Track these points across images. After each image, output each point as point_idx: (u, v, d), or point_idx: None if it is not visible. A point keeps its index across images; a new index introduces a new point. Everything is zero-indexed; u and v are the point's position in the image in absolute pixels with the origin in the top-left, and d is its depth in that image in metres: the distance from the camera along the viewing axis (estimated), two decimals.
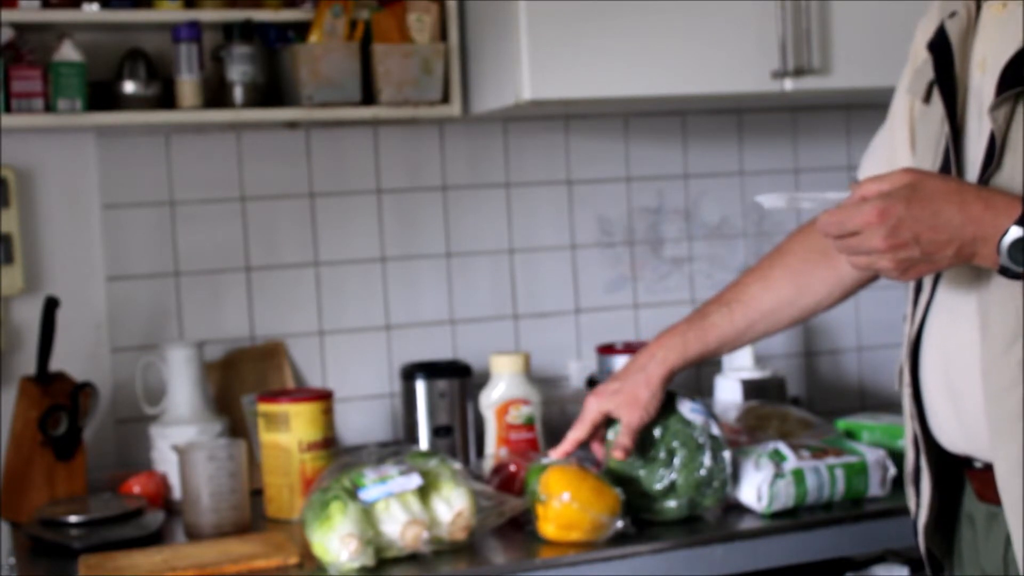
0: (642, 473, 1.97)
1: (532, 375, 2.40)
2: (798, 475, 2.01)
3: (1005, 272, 1.36)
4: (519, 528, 1.96)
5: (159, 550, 1.95)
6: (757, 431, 2.29)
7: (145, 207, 2.45)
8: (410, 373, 2.45)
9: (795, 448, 2.05)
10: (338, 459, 2.06)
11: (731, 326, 1.91)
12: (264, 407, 2.16)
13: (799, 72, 2.34)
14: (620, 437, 1.93)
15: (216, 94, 2.35)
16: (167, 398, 2.28)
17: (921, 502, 1.59)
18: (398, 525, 1.84)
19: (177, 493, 2.18)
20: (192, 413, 2.26)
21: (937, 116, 1.54)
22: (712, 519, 1.99)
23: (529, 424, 2.32)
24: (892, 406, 1.90)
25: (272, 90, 2.39)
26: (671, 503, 1.97)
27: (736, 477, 2.02)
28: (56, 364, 2.28)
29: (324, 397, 2.16)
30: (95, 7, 2.25)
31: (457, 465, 1.95)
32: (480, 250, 2.65)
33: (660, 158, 2.76)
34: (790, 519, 2.01)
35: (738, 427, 2.28)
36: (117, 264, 2.43)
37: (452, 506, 1.89)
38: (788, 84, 2.35)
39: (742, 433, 2.23)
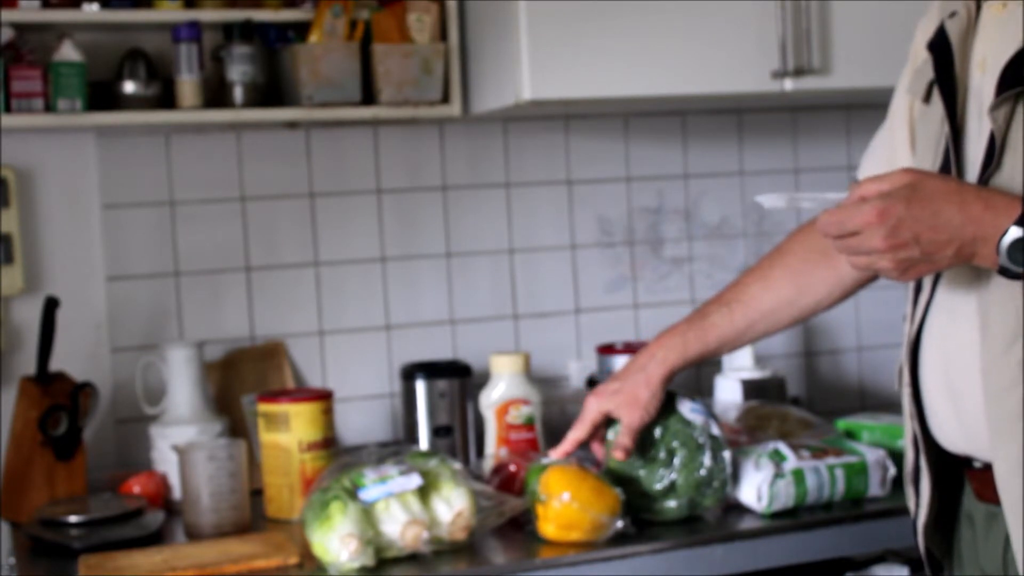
0: (642, 473, 1.97)
1: (532, 375, 2.40)
2: (798, 475, 2.01)
3: (1005, 272, 1.36)
4: (519, 528, 1.96)
5: (159, 550, 1.95)
6: (757, 431, 2.29)
7: (145, 207, 2.45)
8: (410, 373, 2.45)
9: (795, 448, 2.05)
10: (338, 459, 2.06)
11: (731, 326, 1.91)
12: (264, 407, 2.16)
13: (799, 72, 2.34)
14: (620, 437, 1.93)
15: (216, 94, 2.35)
16: (167, 398, 2.28)
17: (920, 502, 1.59)
18: (398, 525, 1.84)
19: (177, 493, 2.18)
20: (192, 413, 2.26)
21: (937, 116, 1.54)
22: (712, 519, 1.99)
23: (529, 424, 2.32)
24: (892, 406, 1.90)
25: (272, 90, 2.39)
26: (671, 503, 1.97)
27: (736, 477, 2.02)
28: (56, 364, 2.28)
29: (324, 397, 2.16)
30: (95, 7, 2.25)
31: (457, 465, 1.95)
32: (480, 250, 2.65)
33: (660, 158, 2.76)
34: (790, 519, 2.01)
35: (738, 427, 2.28)
36: (117, 264, 2.43)
37: (452, 506, 1.89)
38: (788, 84, 2.35)
39: (742, 433, 2.23)
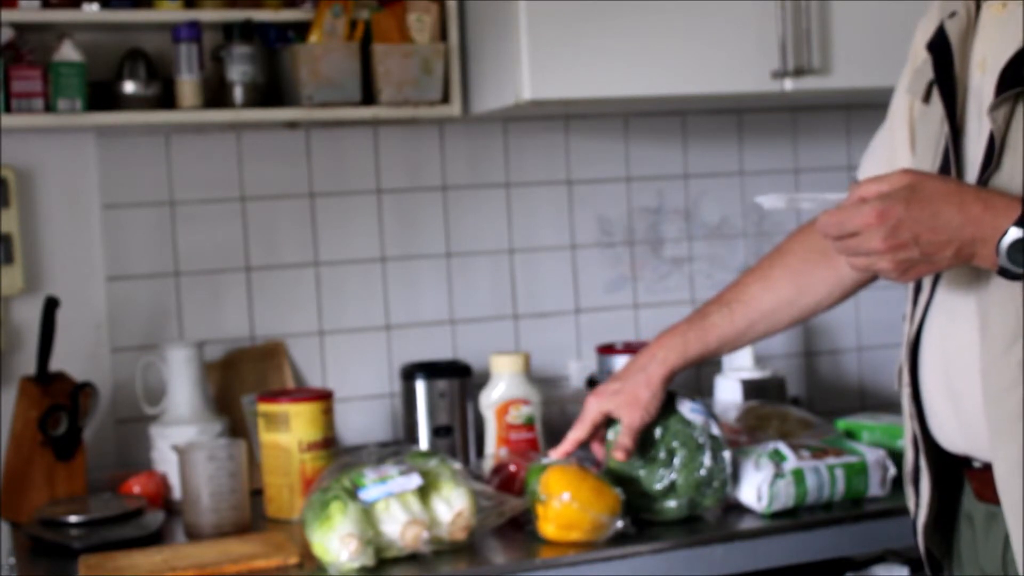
0: (642, 473, 1.97)
1: (532, 375, 2.40)
2: (798, 475, 2.01)
3: (1004, 273, 1.36)
4: (519, 528, 1.96)
5: (159, 550, 1.95)
6: (757, 431, 2.29)
7: (145, 207, 2.45)
8: (410, 373, 2.45)
9: (795, 448, 2.05)
10: (338, 459, 2.06)
11: (731, 326, 1.91)
12: (264, 407, 2.16)
13: (799, 72, 2.34)
14: (621, 438, 1.93)
15: (216, 94, 2.35)
16: (167, 398, 2.28)
17: (920, 502, 1.59)
18: (398, 525, 1.84)
19: (177, 493, 2.18)
20: (192, 413, 2.26)
21: (937, 116, 1.54)
22: (712, 519, 1.99)
23: (529, 424, 2.32)
24: (892, 406, 1.90)
25: (272, 90, 2.39)
26: (671, 503, 1.97)
27: (736, 477, 2.02)
28: (56, 364, 2.28)
29: (324, 397, 2.16)
30: (95, 7, 2.25)
31: (457, 465, 1.95)
32: (480, 250, 2.65)
33: (660, 158, 2.76)
34: (790, 519, 2.01)
35: (738, 427, 2.28)
36: (117, 264, 2.43)
37: (452, 506, 1.89)
38: (788, 84, 2.35)
39: (742, 433, 2.23)
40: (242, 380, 2.46)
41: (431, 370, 2.44)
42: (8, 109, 2.19)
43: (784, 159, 2.85)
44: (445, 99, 2.42)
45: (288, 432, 2.12)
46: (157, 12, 2.29)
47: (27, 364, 2.30)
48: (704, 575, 1.93)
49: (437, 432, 2.42)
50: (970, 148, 1.50)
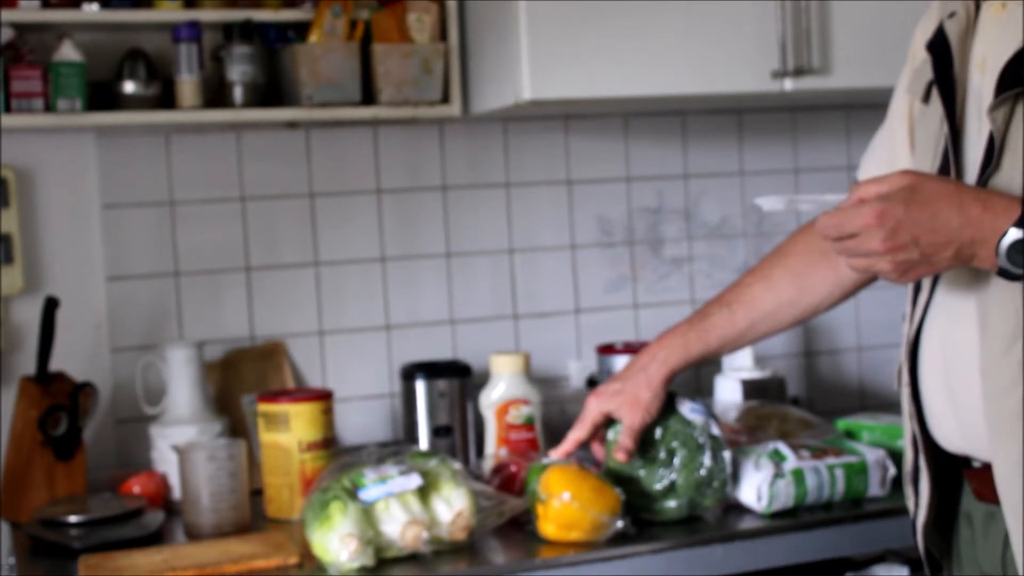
0: (642, 473, 1.97)
1: (532, 375, 2.40)
2: (798, 475, 2.01)
3: (1003, 274, 1.36)
4: (519, 528, 1.96)
5: (159, 550, 1.95)
6: (757, 431, 2.29)
7: (145, 207, 2.45)
8: (410, 373, 2.45)
9: (795, 448, 2.05)
10: (338, 459, 2.06)
11: (732, 327, 1.91)
12: (264, 407, 2.16)
13: (799, 72, 2.34)
14: (622, 438, 1.93)
15: (216, 94, 2.35)
16: (167, 398, 2.28)
17: (920, 502, 1.59)
18: (398, 525, 1.84)
19: (177, 493, 2.18)
20: (192, 413, 2.26)
21: (936, 117, 1.54)
22: (712, 519, 1.99)
23: (529, 424, 2.32)
24: (892, 406, 1.90)
25: (272, 90, 2.39)
26: (671, 503, 1.97)
27: (736, 477, 2.02)
28: (56, 364, 2.28)
29: (324, 397, 2.16)
30: (95, 7, 2.25)
31: (457, 465, 1.95)
32: (480, 250, 2.65)
33: (660, 158, 2.76)
34: (790, 519, 2.01)
35: (738, 427, 2.28)
36: (117, 264, 2.43)
37: (452, 506, 1.89)
38: (788, 84, 2.35)
39: (742, 433, 2.23)
40: (242, 380, 2.46)
41: (431, 370, 2.44)
42: (8, 109, 2.19)
43: (784, 159, 2.85)
44: (445, 99, 2.42)
45: (288, 432, 2.12)
46: (157, 12, 2.29)
47: (27, 364, 2.30)
48: (704, 575, 1.93)
49: (437, 432, 2.42)
50: (969, 149, 1.50)
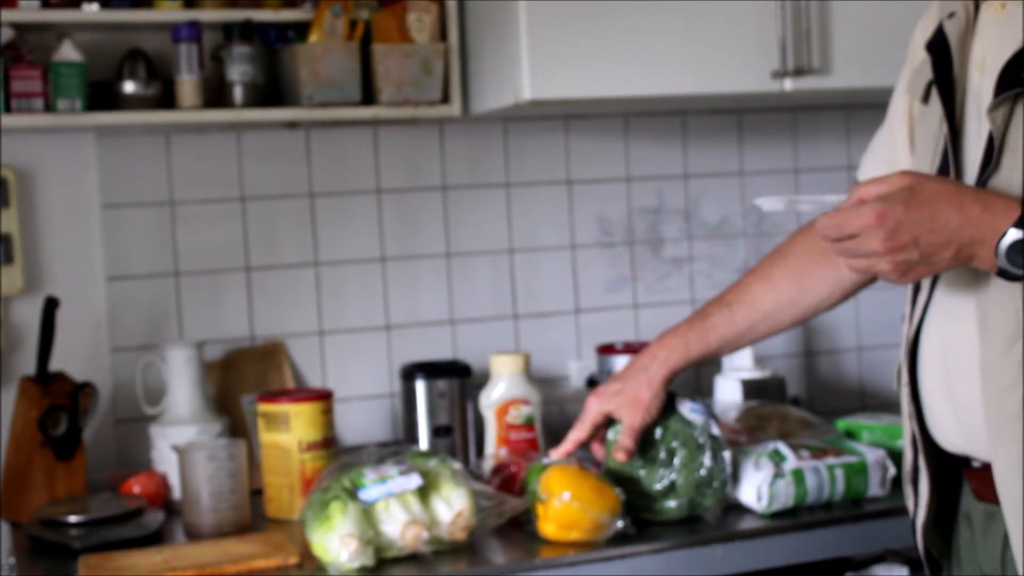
0: (642, 473, 1.97)
1: (532, 375, 2.40)
2: (798, 475, 2.01)
3: (1003, 274, 1.36)
4: (519, 528, 1.96)
5: (159, 550, 1.95)
6: (757, 431, 2.29)
7: (145, 207, 2.45)
8: (410, 373, 2.45)
9: (795, 448, 2.05)
10: (338, 459, 2.05)
11: (732, 327, 1.91)
12: (264, 407, 2.16)
13: (799, 72, 2.34)
14: (622, 438, 1.93)
15: (216, 94, 2.35)
16: (167, 398, 2.28)
17: (919, 502, 1.59)
18: (398, 525, 1.84)
19: (177, 493, 2.18)
20: (192, 413, 2.26)
21: (936, 117, 1.54)
22: (712, 519, 1.99)
23: (529, 424, 2.32)
24: (892, 406, 1.90)
25: (272, 90, 2.39)
26: (671, 503, 1.97)
27: (736, 477, 2.02)
28: (56, 364, 2.28)
29: (324, 397, 2.16)
30: (95, 7, 2.25)
31: (457, 465, 1.95)
32: (480, 250, 2.65)
33: (660, 158, 2.76)
34: (790, 519, 2.01)
35: (738, 427, 2.28)
36: (117, 264, 2.43)
37: (452, 506, 1.89)
38: (788, 84, 2.35)
39: (742, 433, 2.23)
40: (242, 380, 2.46)
41: (431, 370, 2.44)
42: (8, 109, 2.19)
43: (784, 159, 2.85)
44: (445, 99, 2.42)
45: (288, 432, 2.12)
46: (157, 12, 2.29)
47: (27, 364, 2.30)
48: (704, 575, 1.93)
49: (437, 432, 2.42)
50: (969, 149, 1.50)
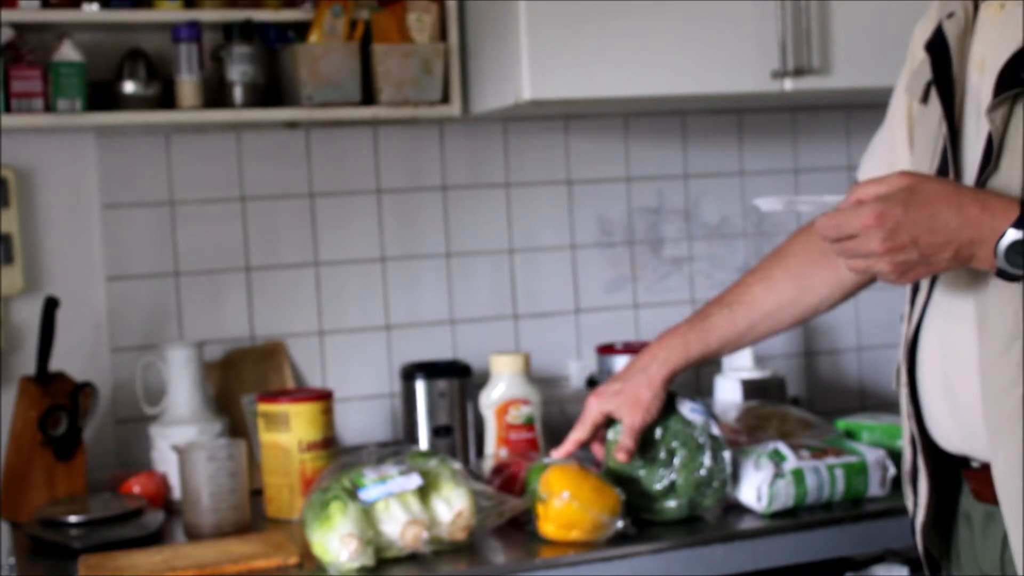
0: (642, 473, 1.97)
1: (532, 375, 2.40)
2: (798, 475, 2.01)
3: (1002, 275, 1.36)
4: (519, 528, 1.96)
5: (159, 550, 1.95)
6: (757, 431, 2.29)
7: (145, 207, 2.45)
8: (410, 373, 2.45)
9: (795, 448, 2.05)
10: (338, 459, 2.05)
11: (732, 327, 1.91)
12: (264, 407, 2.16)
13: (799, 72, 2.34)
14: (623, 438, 1.93)
15: (216, 94, 2.35)
16: (167, 398, 2.28)
17: (918, 501, 1.59)
18: (398, 525, 1.84)
19: (177, 493, 2.18)
20: (192, 413, 2.26)
21: (935, 117, 1.54)
22: (712, 519, 1.99)
23: (529, 424, 2.32)
24: (892, 406, 1.90)
25: (272, 90, 2.39)
26: (671, 503, 1.97)
27: (736, 477, 2.02)
28: (56, 364, 2.28)
29: (324, 397, 2.16)
30: (95, 7, 2.25)
31: (457, 465, 1.95)
32: (480, 250, 2.65)
33: (660, 158, 2.76)
34: (790, 519, 2.01)
35: (738, 427, 2.28)
36: (117, 264, 2.43)
37: (452, 506, 1.89)
38: (788, 84, 2.35)
39: (742, 433, 2.23)
40: (242, 380, 2.46)
41: (431, 370, 2.44)
42: (8, 109, 2.19)
43: (784, 159, 2.85)
44: (445, 99, 2.42)
45: (288, 432, 2.12)
46: (157, 12, 2.29)
47: (27, 364, 2.30)
48: (704, 575, 1.93)
49: (437, 432, 2.42)
50: (968, 149, 1.50)
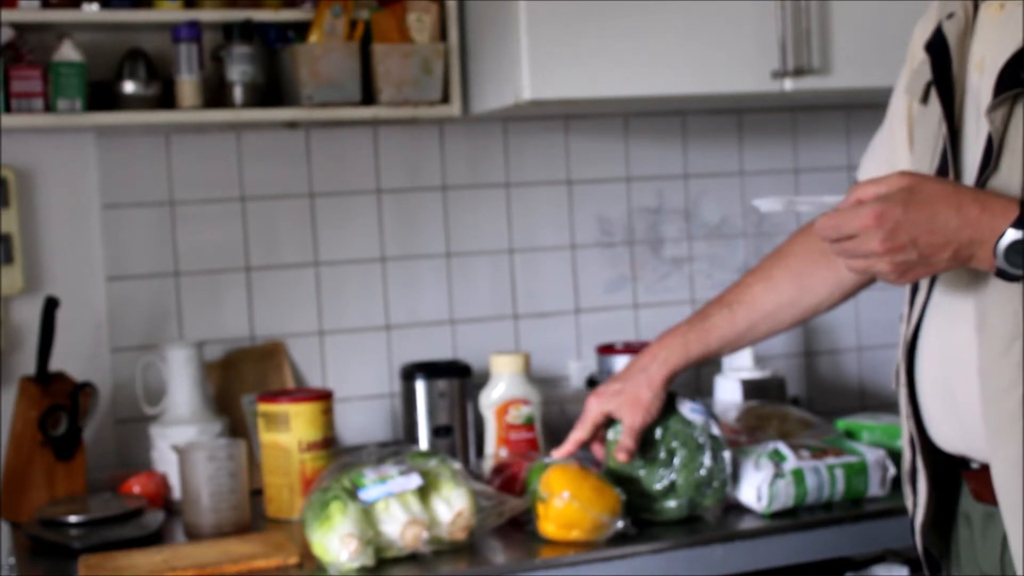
0: (642, 473, 1.97)
1: (532, 375, 2.40)
2: (798, 475, 2.01)
3: (1002, 275, 1.36)
4: (519, 528, 1.96)
5: (159, 550, 1.95)
6: (757, 431, 2.29)
7: (145, 207, 2.45)
8: (410, 373, 2.45)
9: (795, 448, 2.05)
10: (338, 459, 2.05)
11: (732, 327, 1.91)
12: (264, 407, 2.16)
13: (799, 72, 2.34)
14: (623, 438, 1.93)
15: (216, 94, 2.35)
16: (167, 398, 2.28)
17: (918, 501, 1.59)
18: (398, 525, 1.84)
19: (177, 493, 2.18)
20: (192, 413, 2.26)
21: (935, 117, 1.54)
22: (712, 519, 1.99)
23: (529, 424, 2.32)
24: (892, 406, 1.90)
25: (272, 90, 2.39)
26: (671, 503, 1.97)
27: (736, 477, 2.02)
28: (56, 364, 2.28)
29: (324, 397, 2.16)
30: (95, 7, 2.25)
31: (457, 465, 1.95)
32: (480, 250, 2.65)
33: (660, 158, 2.76)
34: (790, 519, 2.01)
35: (738, 427, 2.28)
36: (117, 264, 2.43)
37: (452, 506, 1.89)
38: (788, 84, 2.35)
39: (742, 433, 2.23)
40: (242, 380, 2.46)
41: (431, 370, 2.44)
42: (8, 109, 2.19)
43: (784, 159, 2.85)
44: (445, 99, 2.42)
45: (288, 432, 2.12)
46: (157, 12, 2.29)
47: (27, 364, 2.30)
48: (704, 575, 1.93)
49: (437, 432, 2.42)
50: (968, 149, 1.50)
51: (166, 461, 2.23)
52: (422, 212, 2.61)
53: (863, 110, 2.85)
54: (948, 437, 1.53)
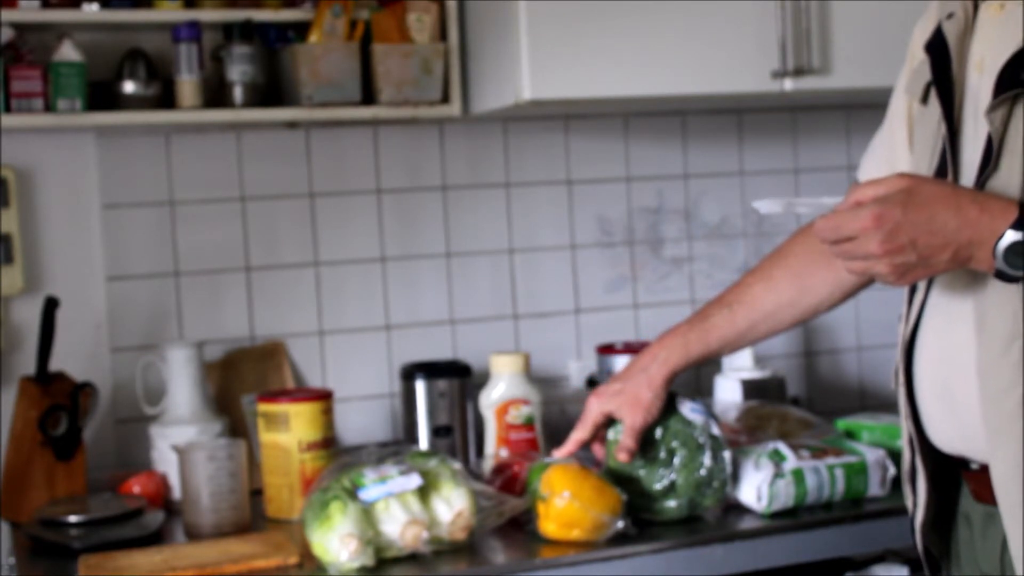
0: (642, 473, 1.97)
1: (532, 375, 2.40)
2: (798, 475, 2.01)
3: (1001, 276, 1.36)
4: (519, 528, 1.96)
5: (159, 550, 1.95)
6: (757, 431, 2.29)
7: (145, 207, 2.45)
8: (410, 373, 2.45)
9: (795, 448, 2.05)
10: (338, 459, 2.05)
11: (732, 327, 1.91)
12: (264, 407, 2.16)
13: (799, 72, 2.34)
14: (624, 438, 1.93)
15: (216, 94, 2.35)
16: (167, 398, 2.28)
17: (918, 501, 1.59)
18: (398, 525, 1.84)
19: (177, 493, 2.18)
20: (192, 413, 2.26)
21: (934, 117, 1.54)
22: (712, 519, 1.99)
23: (529, 424, 2.32)
24: (892, 406, 1.90)
25: (272, 90, 2.39)
26: (671, 503, 1.97)
27: (736, 477, 2.02)
28: (56, 364, 2.28)
29: (324, 397, 2.16)
30: (95, 7, 2.25)
31: (457, 465, 1.95)
32: (480, 250, 2.65)
33: (660, 158, 2.76)
34: (790, 519, 2.01)
35: (738, 427, 2.28)
36: (117, 264, 2.43)
37: (452, 506, 1.89)
38: (788, 84, 2.35)
39: (742, 433, 2.23)
40: (242, 380, 2.46)
41: (431, 370, 2.44)
42: (8, 109, 2.19)
43: (784, 159, 2.85)
44: (445, 99, 2.42)
45: (288, 432, 2.12)
46: (157, 12, 2.29)
47: (27, 364, 2.30)
48: (704, 575, 1.93)
49: (437, 432, 2.42)
50: (967, 150, 1.50)
51: (166, 461, 2.23)
52: (422, 212, 2.61)
53: (863, 110, 2.85)
54: (947, 437, 1.53)
